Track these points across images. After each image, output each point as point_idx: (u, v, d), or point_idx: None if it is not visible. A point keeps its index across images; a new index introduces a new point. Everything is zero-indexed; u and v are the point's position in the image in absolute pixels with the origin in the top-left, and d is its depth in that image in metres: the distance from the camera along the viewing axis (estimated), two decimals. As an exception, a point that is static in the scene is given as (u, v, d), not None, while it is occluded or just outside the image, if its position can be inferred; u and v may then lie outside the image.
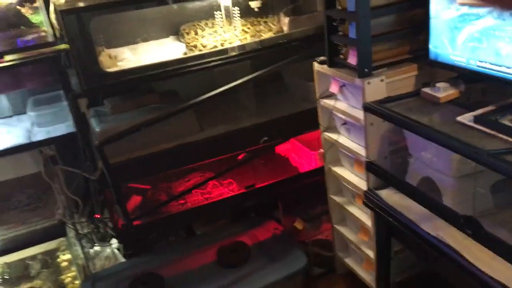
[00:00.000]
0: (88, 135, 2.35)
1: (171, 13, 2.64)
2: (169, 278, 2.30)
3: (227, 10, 2.42)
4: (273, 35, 2.52)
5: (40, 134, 2.33)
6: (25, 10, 2.33)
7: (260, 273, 2.28)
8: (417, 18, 1.86)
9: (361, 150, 1.97)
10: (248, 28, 2.53)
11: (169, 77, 2.34)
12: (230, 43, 2.41)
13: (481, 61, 1.54)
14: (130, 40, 2.63)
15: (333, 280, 2.58)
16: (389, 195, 1.82)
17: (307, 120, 2.46)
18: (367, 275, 2.26)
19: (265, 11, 2.60)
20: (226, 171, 2.59)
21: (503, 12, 1.41)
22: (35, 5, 2.29)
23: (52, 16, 2.31)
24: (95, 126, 2.35)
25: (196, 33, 2.52)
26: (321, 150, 2.31)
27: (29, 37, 2.24)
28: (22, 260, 2.62)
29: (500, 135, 1.37)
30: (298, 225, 2.58)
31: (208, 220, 2.85)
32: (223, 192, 2.72)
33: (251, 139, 2.56)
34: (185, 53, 2.43)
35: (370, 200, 1.85)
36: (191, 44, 2.41)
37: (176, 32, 2.67)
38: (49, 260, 2.63)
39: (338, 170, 2.24)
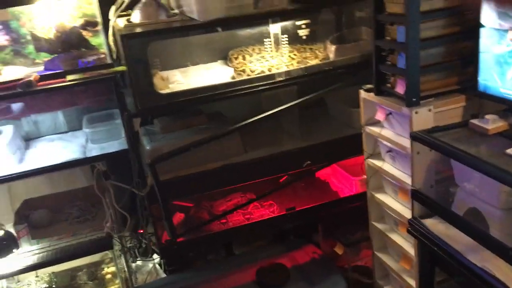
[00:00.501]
0: (139, 152, 2.45)
1: (220, 38, 2.75)
2: (208, 295, 2.35)
3: (276, 37, 2.51)
4: (319, 62, 2.58)
5: (94, 150, 2.45)
6: (86, 33, 2.49)
7: (299, 296, 2.30)
8: (466, 51, 1.89)
9: (406, 178, 1.99)
10: (295, 55, 2.60)
11: (218, 99, 2.44)
12: (277, 68, 2.49)
13: (532, 95, 1.55)
14: (180, 63, 2.75)
15: (372, 307, 2.56)
16: (434, 224, 1.83)
17: (349, 146, 2.50)
18: (407, 304, 2.25)
19: (311, 38, 2.67)
20: (269, 193, 2.63)
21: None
22: (96, 28, 2.45)
23: (110, 39, 2.46)
24: (146, 144, 2.45)
25: (244, 58, 2.61)
26: (364, 176, 2.33)
27: (90, 58, 2.37)
28: (69, 270, 2.73)
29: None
30: (338, 250, 2.59)
31: (247, 240, 2.90)
32: (264, 214, 2.76)
33: (293, 162, 2.60)
34: (233, 77, 2.52)
35: (414, 228, 1.86)
36: (240, 69, 2.50)
37: (224, 56, 2.77)
38: (94, 272, 2.73)
39: (381, 197, 2.25)
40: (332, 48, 2.60)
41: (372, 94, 2.11)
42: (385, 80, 2.04)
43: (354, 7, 2.76)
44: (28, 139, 2.72)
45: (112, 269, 2.76)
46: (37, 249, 2.49)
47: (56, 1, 2.36)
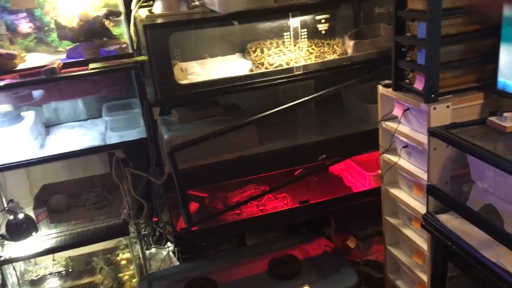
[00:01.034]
0: (157, 141, 2.49)
1: (238, 31, 2.77)
2: (222, 283, 2.37)
3: (295, 31, 2.53)
4: (337, 57, 2.61)
5: (114, 138, 2.49)
6: (108, 23, 2.53)
7: (310, 287, 2.33)
8: (486, 48, 1.90)
9: (421, 174, 2.01)
10: (313, 49, 2.62)
11: (236, 91, 2.47)
12: (296, 62, 2.52)
13: (552, 94, 1.56)
14: (199, 55, 2.78)
15: (383, 302, 2.59)
16: (448, 220, 1.84)
17: (364, 141, 2.52)
18: (418, 299, 2.27)
19: (329, 33, 2.68)
20: (284, 185, 2.66)
21: None
22: (118, 18, 2.48)
23: (132, 29, 2.50)
24: (164, 133, 2.50)
25: (262, 52, 2.63)
26: (379, 171, 2.35)
27: (111, 47, 2.41)
28: (85, 255, 2.79)
29: None
30: (351, 243, 2.61)
31: (259, 232, 2.93)
32: (278, 206, 2.79)
33: (308, 156, 2.63)
34: (251, 70, 2.55)
35: (429, 223, 1.88)
36: (259, 61, 2.53)
37: (241, 49, 2.80)
38: (109, 258, 2.79)
39: (395, 192, 2.27)
40: (350, 43, 2.62)
41: (390, 89, 2.13)
42: (403, 76, 2.06)
43: (373, 3, 2.77)
44: (48, 126, 2.77)
45: (127, 255, 2.81)
46: (55, 233, 2.55)
47: (80, -10, 2.40)
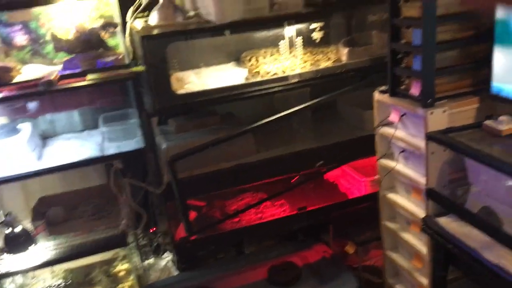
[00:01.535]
0: (155, 151, 2.50)
1: (233, 41, 2.80)
2: (222, 292, 2.39)
3: (291, 40, 2.56)
4: (331, 64, 2.64)
5: (111, 149, 2.49)
6: (104, 34, 2.54)
7: (311, 294, 2.34)
8: (480, 54, 1.94)
9: (419, 178, 2.03)
10: (308, 57, 2.65)
11: (232, 100, 2.49)
12: (291, 70, 2.54)
13: (546, 97, 1.60)
14: (194, 64, 2.79)
15: (383, 307, 2.60)
16: (447, 223, 1.87)
17: (359, 147, 2.55)
18: (418, 302, 2.29)
19: (323, 41, 2.72)
20: (282, 193, 2.68)
21: None
22: (115, 30, 2.49)
23: (127, 40, 2.51)
24: (162, 143, 2.50)
25: (257, 61, 2.65)
26: (377, 177, 2.38)
27: (108, 58, 2.42)
28: (84, 267, 2.77)
29: None
30: (350, 249, 2.63)
31: (257, 239, 2.94)
32: (275, 213, 2.80)
33: (304, 163, 2.65)
34: (247, 78, 2.57)
35: (429, 226, 1.90)
36: (255, 70, 2.55)
37: (236, 58, 2.81)
38: (107, 269, 2.77)
39: (393, 196, 2.29)
40: (344, 51, 2.65)
41: (386, 95, 2.16)
42: (399, 82, 2.09)
43: (366, 11, 2.82)
44: (44, 138, 2.76)
45: (125, 266, 2.79)
46: (53, 245, 2.53)
47: (76, 2, 2.41)
